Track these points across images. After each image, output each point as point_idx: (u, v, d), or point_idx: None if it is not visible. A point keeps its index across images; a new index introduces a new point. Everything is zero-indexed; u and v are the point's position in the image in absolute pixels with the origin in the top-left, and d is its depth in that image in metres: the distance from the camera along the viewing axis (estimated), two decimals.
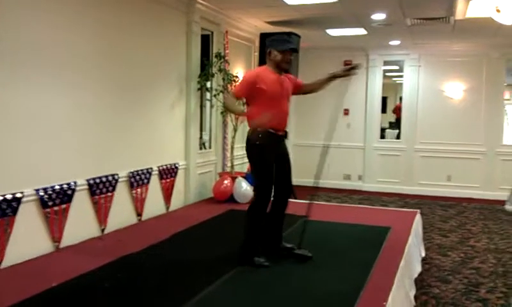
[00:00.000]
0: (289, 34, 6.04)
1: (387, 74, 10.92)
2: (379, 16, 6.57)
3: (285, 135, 3.84)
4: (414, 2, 5.83)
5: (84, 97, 4.36)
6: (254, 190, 3.83)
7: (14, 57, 3.62)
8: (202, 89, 6.24)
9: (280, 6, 5.90)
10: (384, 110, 11.52)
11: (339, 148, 9.92)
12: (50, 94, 3.99)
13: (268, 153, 3.68)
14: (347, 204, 7.37)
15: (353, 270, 3.68)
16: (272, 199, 3.85)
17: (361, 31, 7.71)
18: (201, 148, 6.61)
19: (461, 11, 5.74)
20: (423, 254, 5.25)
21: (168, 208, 5.67)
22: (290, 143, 10.14)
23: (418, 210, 5.71)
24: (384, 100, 11.18)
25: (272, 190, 3.82)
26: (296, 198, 6.73)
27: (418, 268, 4.68)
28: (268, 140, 3.66)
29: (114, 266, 3.65)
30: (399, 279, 3.56)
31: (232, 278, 3.47)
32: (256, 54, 7.56)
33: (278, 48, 3.72)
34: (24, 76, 3.72)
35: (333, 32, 7.86)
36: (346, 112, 10.00)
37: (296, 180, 10.04)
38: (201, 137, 6.78)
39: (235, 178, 6.10)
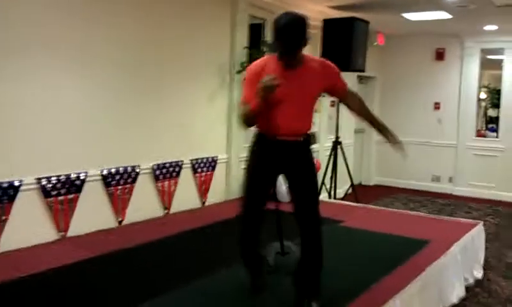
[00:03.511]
0: None
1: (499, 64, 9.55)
2: None
3: (305, 142, 2.86)
4: None
5: (110, 84, 4.40)
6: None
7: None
8: None
9: None
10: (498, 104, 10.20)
11: (428, 145, 8.98)
12: (69, 74, 4.07)
13: (259, 165, 2.86)
14: (417, 211, 6.53)
15: (344, 286, 3.17)
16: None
17: (443, 15, 6.79)
18: None
19: None
20: (478, 276, 4.43)
21: (203, 202, 5.51)
22: (373, 140, 9.43)
23: (481, 222, 4.83)
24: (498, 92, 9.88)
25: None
26: (357, 201, 6.14)
27: (458, 293, 3.93)
28: (266, 148, 2.82)
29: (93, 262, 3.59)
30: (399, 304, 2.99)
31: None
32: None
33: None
34: (38, 62, 3.80)
35: (410, 16, 7.04)
36: (437, 106, 8.99)
37: (377, 179, 9.42)
38: None
39: None
